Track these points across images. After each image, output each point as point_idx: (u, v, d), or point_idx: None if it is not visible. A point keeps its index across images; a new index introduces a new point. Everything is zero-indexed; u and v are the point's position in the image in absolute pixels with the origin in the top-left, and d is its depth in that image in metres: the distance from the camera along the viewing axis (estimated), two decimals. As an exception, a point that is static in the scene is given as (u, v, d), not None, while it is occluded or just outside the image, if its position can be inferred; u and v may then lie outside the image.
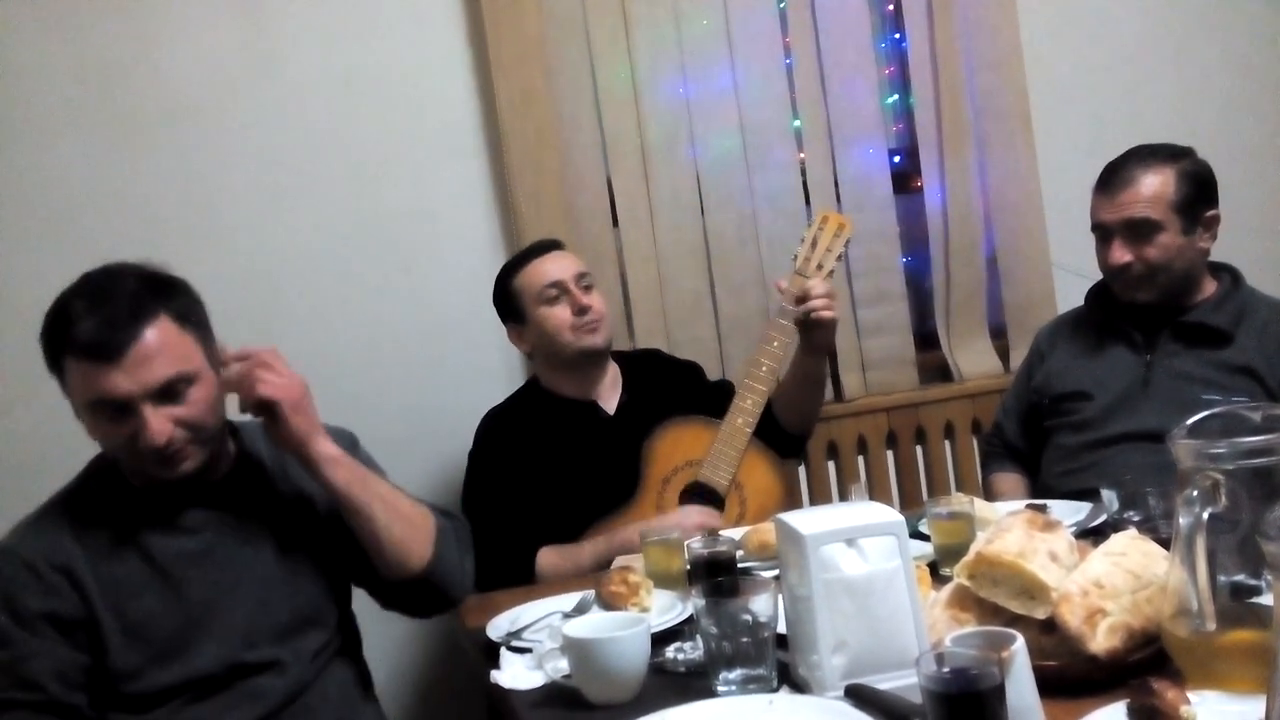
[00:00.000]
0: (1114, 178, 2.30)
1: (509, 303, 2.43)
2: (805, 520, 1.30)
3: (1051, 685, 1.20)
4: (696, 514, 2.22)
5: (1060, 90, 3.12)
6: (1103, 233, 2.31)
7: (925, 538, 1.89)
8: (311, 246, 2.71)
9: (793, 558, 1.30)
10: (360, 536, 1.74)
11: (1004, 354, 3.11)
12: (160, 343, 1.59)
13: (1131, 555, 1.32)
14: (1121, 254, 2.26)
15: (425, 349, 2.77)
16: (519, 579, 2.19)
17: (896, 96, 3.16)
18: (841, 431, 2.97)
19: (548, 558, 2.24)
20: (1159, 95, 3.17)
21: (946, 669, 1.06)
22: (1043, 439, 2.44)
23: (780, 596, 1.40)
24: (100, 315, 1.58)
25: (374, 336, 2.74)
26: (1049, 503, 2.00)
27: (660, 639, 1.54)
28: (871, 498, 2.97)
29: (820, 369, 2.44)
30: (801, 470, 2.92)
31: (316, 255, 2.71)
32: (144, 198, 2.61)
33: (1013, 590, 1.29)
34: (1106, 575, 1.27)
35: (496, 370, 2.78)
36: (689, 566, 1.75)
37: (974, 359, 3.09)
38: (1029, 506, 1.96)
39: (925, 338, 3.11)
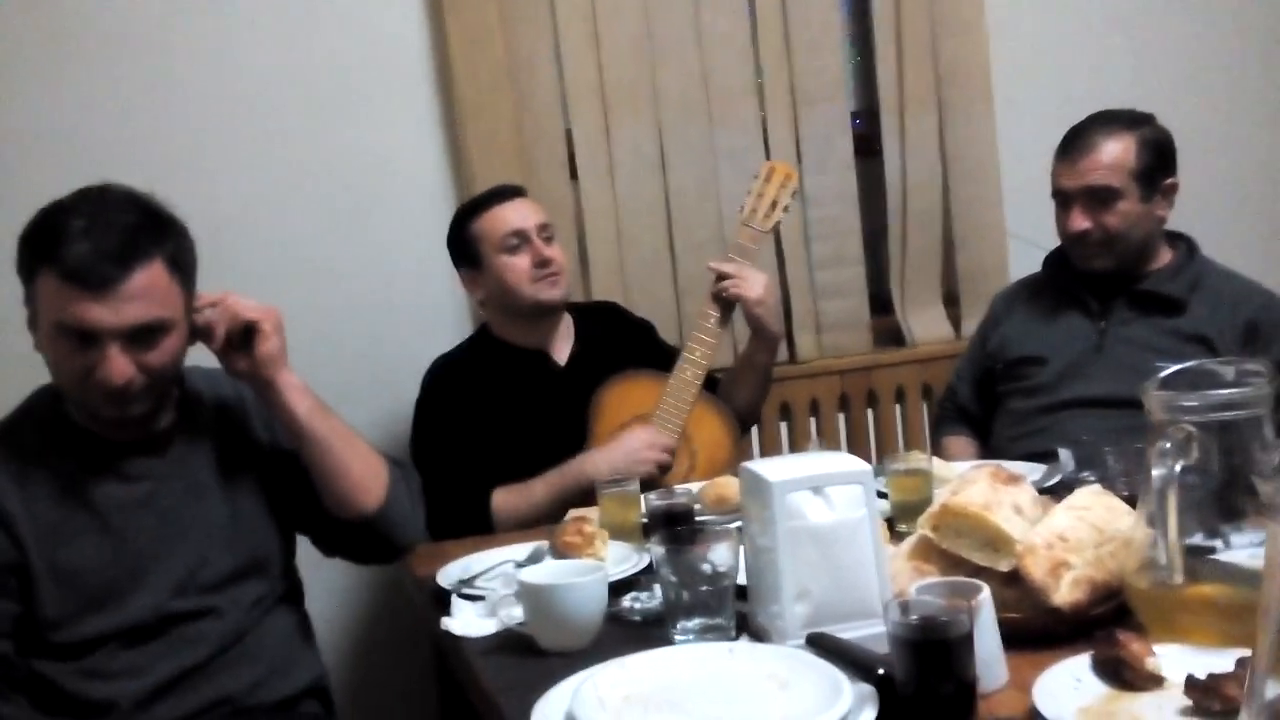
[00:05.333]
0: (1075, 144, 2.29)
1: (465, 248, 2.37)
2: (771, 468, 1.27)
3: (1013, 638, 1.19)
4: (642, 433, 2.19)
5: (1022, 59, 3.11)
6: (1062, 199, 2.31)
7: (883, 496, 1.88)
8: (255, 186, 2.62)
9: (757, 505, 1.28)
10: (315, 471, 1.71)
11: (956, 321, 3.11)
12: (148, 285, 1.53)
13: (1095, 510, 1.31)
14: (1081, 221, 2.26)
15: (371, 294, 2.70)
16: (472, 525, 2.16)
17: (859, 58, 3.13)
18: (795, 393, 2.96)
19: (501, 498, 2.20)
20: (1121, 66, 3.17)
21: (914, 617, 1.04)
22: (995, 403, 2.45)
23: (741, 547, 1.38)
24: (95, 241, 1.51)
25: (319, 280, 2.67)
26: (1004, 463, 2.00)
27: (615, 589, 1.51)
28: (822, 460, 2.99)
29: (759, 357, 2.43)
30: (755, 430, 2.91)
31: (261, 195, 2.63)
32: (77, 131, 2.51)
33: (976, 542, 1.28)
34: (1070, 529, 1.26)
35: (444, 317, 2.73)
36: (646, 519, 1.73)
37: (926, 324, 3.09)
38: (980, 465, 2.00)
39: (879, 302, 3.11)
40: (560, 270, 2.34)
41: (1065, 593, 1.21)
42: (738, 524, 1.77)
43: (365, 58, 2.68)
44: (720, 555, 1.35)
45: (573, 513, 1.97)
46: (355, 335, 2.69)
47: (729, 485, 1.86)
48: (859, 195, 3.02)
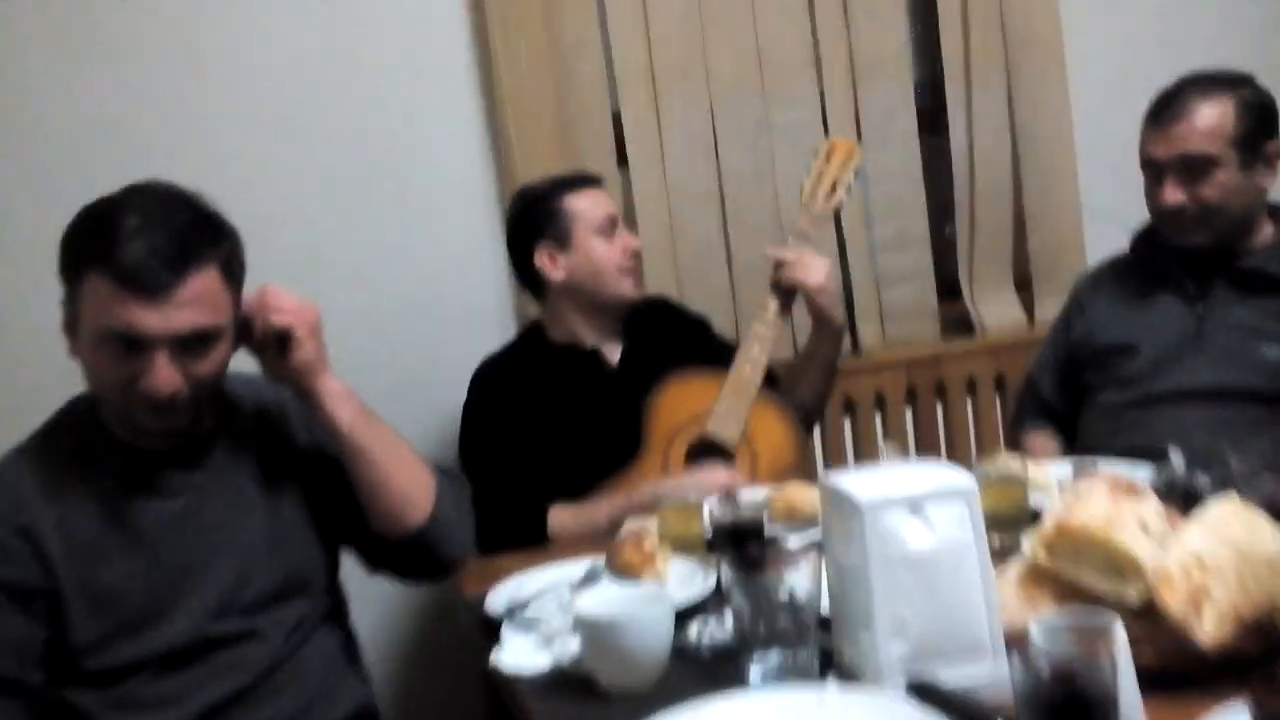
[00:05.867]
0: (1167, 109, 2.10)
1: (556, 222, 2.20)
2: (859, 484, 1.11)
3: (1146, 681, 1.03)
4: (723, 474, 2.04)
5: (1096, 20, 2.92)
6: (1153, 170, 2.11)
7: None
8: (288, 179, 2.49)
9: (843, 527, 1.12)
10: (359, 484, 1.60)
11: (1029, 306, 2.93)
12: (202, 291, 1.44)
13: (1233, 526, 1.14)
14: (1174, 194, 2.07)
15: (410, 291, 2.57)
16: (527, 539, 2.02)
17: (921, 26, 2.94)
18: (858, 387, 2.79)
19: (560, 517, 2.07)
20: (1205, 23, 2.96)
21: (1043, 666, 0.88)
22: (1081, 396, 2.27)
23: (823, 570, 1.22)
24: (150, 242, 1.41)
25: (355, 278, 2.53)
26: (1097, 459, 1.83)
27: (680, 617, 1.36)
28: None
29: (823, 349, 2.27)
30: (816, 428, 2.74)
31: (294, 189, 2.49)
32: (115, 122, 2.39)
33: (1099, 567, 1.11)
34: (1209, 551, 1.09)
35: (487, 314, 2.60)
36: (710, 533, 1.57)
37: (997, 310, 2.91)
38: (1075, 464, 1.82)
39: (945, 287, 2.92)
40: (641, 268, 2.24)
41: (1210, 628, 1.04)
42: (814, 539, 1.64)
43: (400, 43, 2.53)
44: (801, 580, 1.19)
45: (628, 524, 1.82)
46: (393, 334, 2.55)
47: (799, 495, 1.70)
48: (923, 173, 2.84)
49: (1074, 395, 2.29)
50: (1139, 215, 2.85)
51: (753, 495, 1.88)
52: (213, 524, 1.57)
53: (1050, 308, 2.88)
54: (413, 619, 2.59)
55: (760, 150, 2.71)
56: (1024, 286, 2.94)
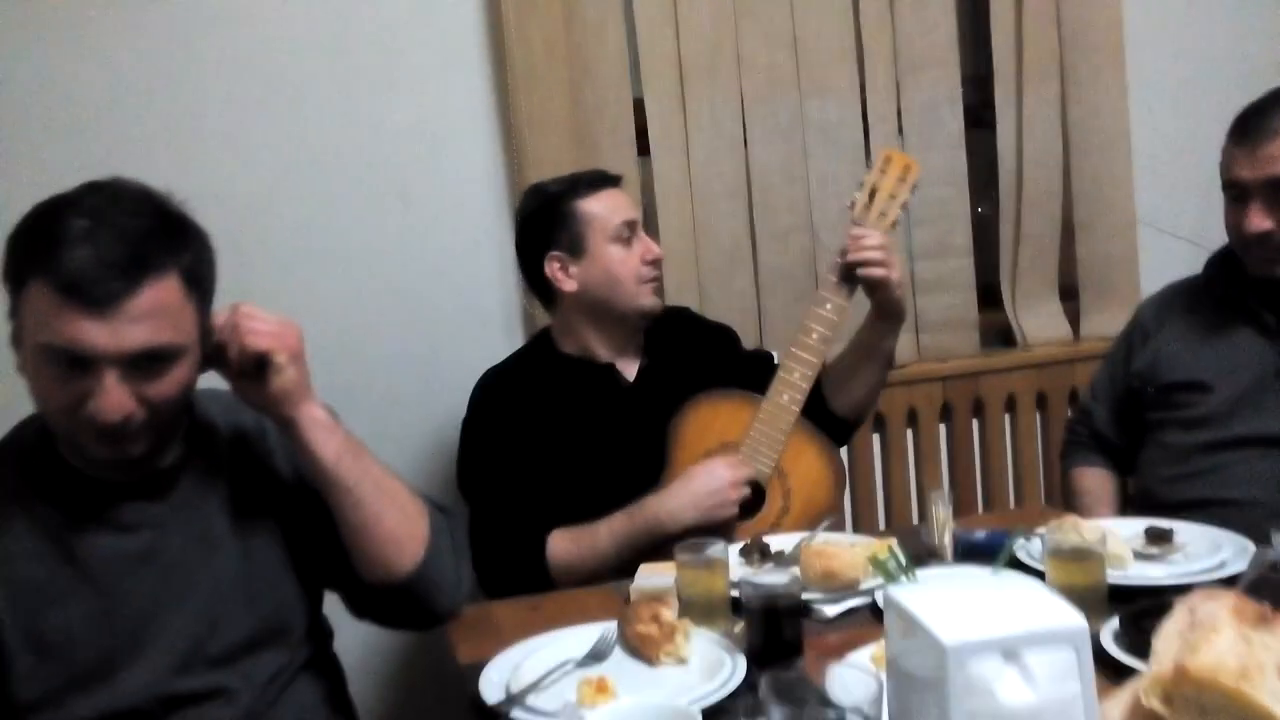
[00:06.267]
0: (1255, 127, 1.88)
1: (569, 228, 2.00)
2: (938, 610, 0.91)
3: None
4: (723, 469, 1.86)
5: (1158, 18, 2.71)
6: (1237, 192, 1.90)
7: (1024, 568, 1.53)
8: (285, 162, 2.29)
9: (918, 661, 0.93)
10: (344, 525, 1.43)
11: (1074, 318, 2.75)
12: (158, 304, 1.27)
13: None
14: (1261, 219, 1.86)
15: (410, 286, 2.38)
16: (528, 570, 1.86)
17: (971, 18, 2.73)
18: (890, 402, 2.60)
19: (560, 543, 1.88)
20: (1267, 29, 2.76)
21: None
22: (1140, 432, 2.07)
23: (884, 691, 1.03)
24: (98, 247, 1.25)
25: (351, 270, 2.35)
26: (1173, 525, 1.63)
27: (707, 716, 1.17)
28: (921, 479, 2.63)
29: (884, 342, 2.04)
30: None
31: (291, 172, 2.30)
32: (106, 103, 2.20)
33: (1227, 722, 0.92)
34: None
35: (491, 314, 2.42)
36: (742, 609, 1.38)
37: (1041, 322, 2.72)
38: (1148, 531, 1.63)
39: (986, 295, 2.73)
40: (661, 276, 2.03)
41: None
42: (853, 605, 1.45)
43: (407, 21, 2.33)
44: (862, 706, 1.00)
45: (643, 575, 1.63)
46: (390, 333, 2.38)
47: (838, 557, 1.51)
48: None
49: (1132, 430, 2.09)
50: (1194, 228, 2.68)
51: (784, 543, 1.71)
52: (176, 564, 1.39)
53: (1097, 321, 2.71)
54: (402, 652, 2.41)
55: (793, 148, 2.51)
56: (1069, 296, 2.76)
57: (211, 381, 1.43)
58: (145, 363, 1.28)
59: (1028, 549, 1.59)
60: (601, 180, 2.04)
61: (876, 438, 2.63)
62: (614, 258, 1.98)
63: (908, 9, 2.54)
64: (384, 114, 2.32)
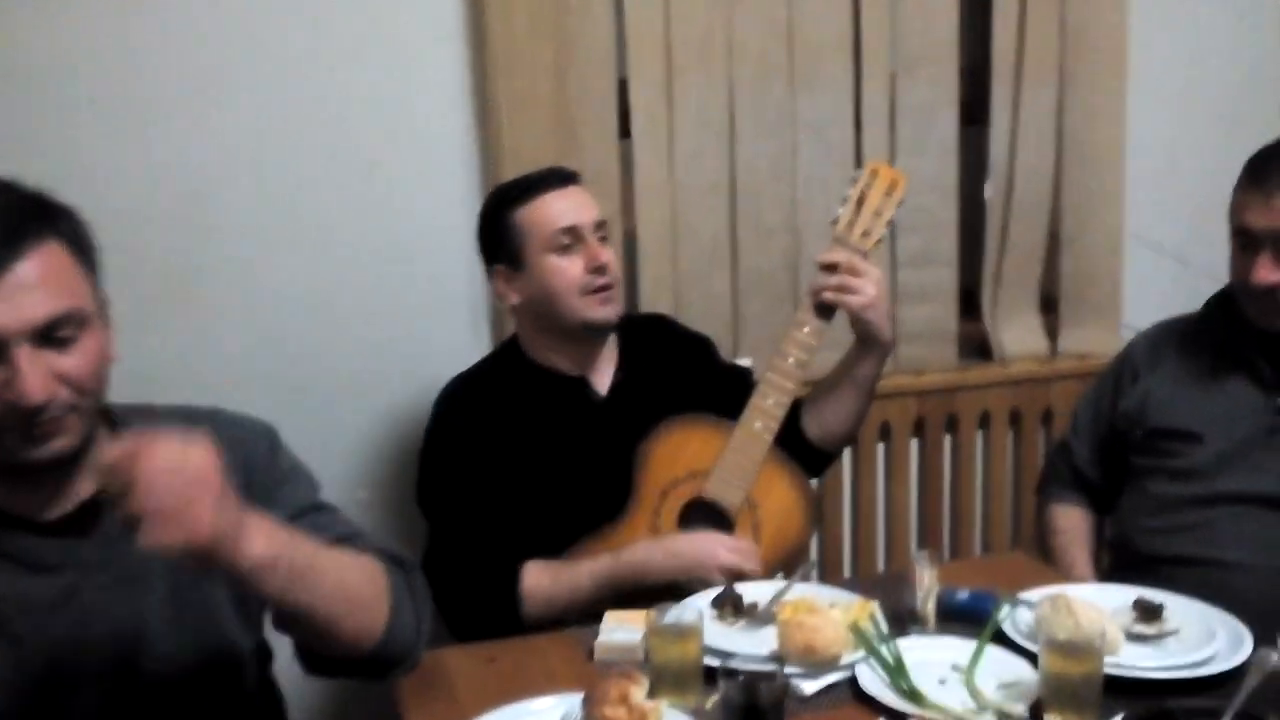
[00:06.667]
0: (1268, 170, 1.79)
1: (504, 241, 1.88)
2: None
3: None
4: (721, 549, 1.76)
5: (1160, 28, 2.62)
6: (1246, 240, 1.81)
7: (1014, 647, 1.46)
8: (246, 131, 2.13)
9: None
10: (298, 634, 1.29)
11: (1052, 332, 2.67)
12: (47, 270, 1.19)
13: None
14: (1269, 272, 1.77)
15: (376, 274, 2.24)
16: (496, 601, 1.76)
17: (971, 13, 2.59)
18: (862, 414, 2.51)
19: (538, 577, 1.78)
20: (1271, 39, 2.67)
21: None
22: (1122, 473, 2.00)
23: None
24: None
25: (313, 250, 2.20)
26: (1164, 600, 1.56)
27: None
28: (889, 495, 2.56)
29: (863, 369, 1.94)
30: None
31: (252, 141, 2.14)
32: (63, 69, 2.02)
33: None
34: None
35: (458, 309, 2.29)
36: (719, 697, 1.29)
37: (1018, 335, 2.65)
38: (1138, 605, 1.56)
39: (963, 303, 2.64)
40: (615, 283, 1.88)
41: None
42: (834, 681, 1.37)
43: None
44: None
45: (608, 629, 1.54)
46: (352, 318, 2.24)
47: (820, 631, 1.42)
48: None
49: (1114, 471, 2.03)
50: (1182, 245, 2.61)
51: (757, 594, 1.62)
52: (99, 609, 1.26)
53: (1075, 336, 2.65)
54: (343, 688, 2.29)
55: (782, 143, 2.38)
56: (1049, 308, 2.69)
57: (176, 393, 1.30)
58: (52, 333, 1.18)
59: (1014, 620, 1.52)
60: (546, 182, 1.89)
61: (848, 453, 2.53)
62: (551, 269, 1.85)
63: (909, 2, 2.41)
64: (353, 87, 2.16)
